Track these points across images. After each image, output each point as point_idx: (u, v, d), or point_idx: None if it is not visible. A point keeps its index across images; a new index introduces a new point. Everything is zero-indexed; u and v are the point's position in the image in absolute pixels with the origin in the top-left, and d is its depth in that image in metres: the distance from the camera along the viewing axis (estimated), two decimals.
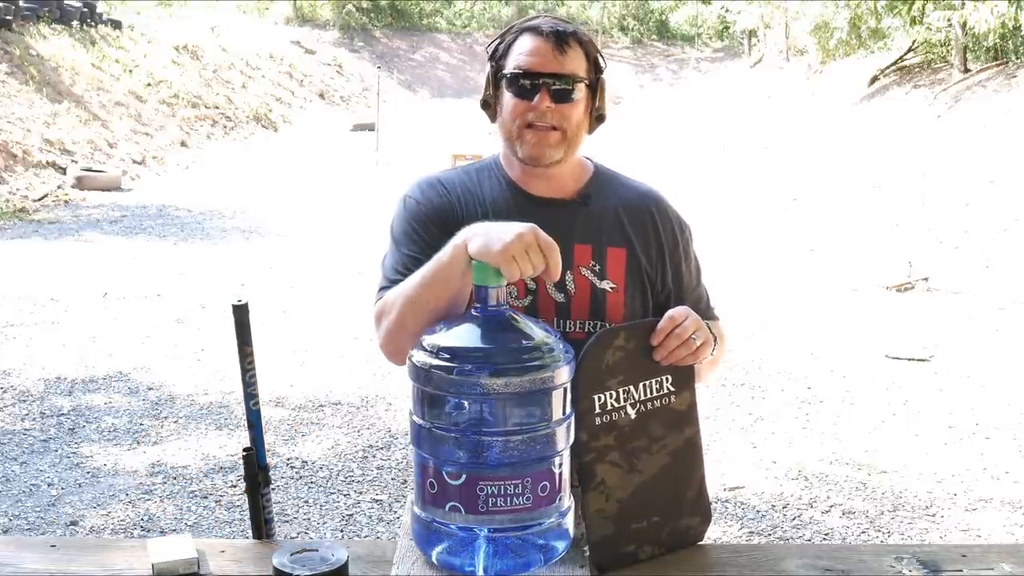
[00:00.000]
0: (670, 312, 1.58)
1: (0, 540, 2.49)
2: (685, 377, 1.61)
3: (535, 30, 1.72)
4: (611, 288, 1.73)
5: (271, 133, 20.16)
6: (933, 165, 11.15)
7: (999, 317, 6.70)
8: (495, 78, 1.75)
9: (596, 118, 1.78)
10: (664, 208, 1.83)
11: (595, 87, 1.75)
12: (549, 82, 1.68)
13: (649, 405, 1.57)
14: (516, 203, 1.72)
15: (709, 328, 1.63)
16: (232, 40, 24.03)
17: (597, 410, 1.52)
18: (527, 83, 1.69)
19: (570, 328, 1.70)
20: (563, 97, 1.69)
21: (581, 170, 1.81)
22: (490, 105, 1.78)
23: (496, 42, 1.78)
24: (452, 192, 1.76)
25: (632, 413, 1.55)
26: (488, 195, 1.76)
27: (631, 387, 1.55)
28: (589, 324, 1.71)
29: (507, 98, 1.72)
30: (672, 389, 1.59)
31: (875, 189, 11.88)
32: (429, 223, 1.72)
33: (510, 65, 1.72)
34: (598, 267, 1.73)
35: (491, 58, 1.77)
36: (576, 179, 1.79)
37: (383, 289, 1.69)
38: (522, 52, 1.71)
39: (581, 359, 1.50)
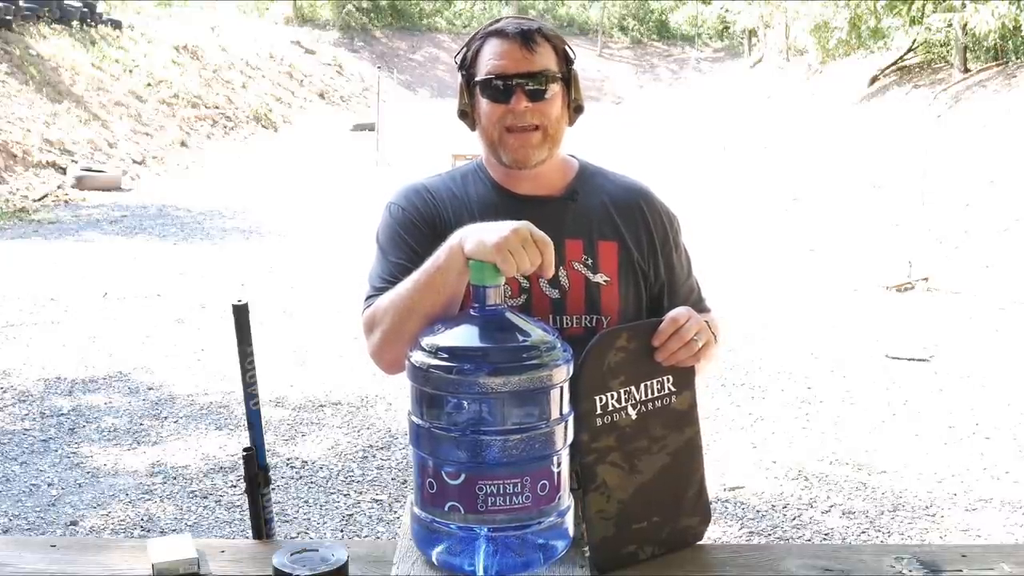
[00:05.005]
0: (672, 313, 1.58)
1: (0, 540, 2.49)
2: (686, 377, 1.60)
3: (500, 33, 1.71)
4: (605, 281, 1.73)
5: (271, 133, 20.17)
6: (933, 165, 11.14)
7: (999, 317, 6.70)
8: (468, 87, 1.75)
9: (574, 110, 1.77)
10: (652, 201, 1.83)
11: (568, 79, 1.74)
12: (523, 82, 1.67)
13: (650, 405, 1.57)
14: (503, 204, 1.71)
15: (709, 326, 1.63)
16: (232, 40, 24.05)
17: (598, 411, 1.52)
18: (501, 85, 1.68)
19: (566, 324, 1.70)
20: (539, 95, 1.68)
21: (566, 167, 1.81)
22: (468, 115, 1.77)
23: (463, 51, 1.77)
24: (438, 198, 1.75)
25: (633, 414, 1.55)
26: (474, 198, 1.75)
27: (632, 388, 1.55)
28: (585, 319, 1.71)
29: (483, 104, 1.72)
30: (673, 389, 1.59)
31: (875, 189, 11.88)
32: (416, 229, 1.72)
33: (481, 71, 1.71)
34: (590, 261, 1.73)
35: (460, 67, 1.76)
36: (561, 176, 1.79)
37: (371, 298, 1.67)
38: (491, 57, 1.70)
39: (583, 360, 1.49)
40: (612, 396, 1.53)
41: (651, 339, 1.56)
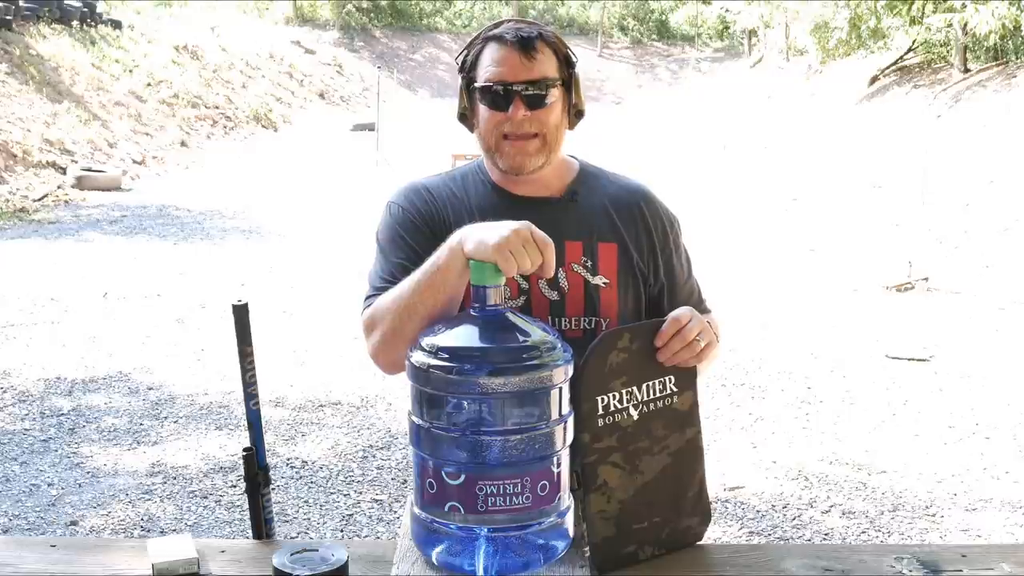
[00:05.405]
0: (674, 314, 1.58)
1: (0, 540, 2.49)
2: (688, 377, 1.60)
3: (500, 39, 1.69)
4: (604, 283, 1.73)
5: (271, 133, 20.16)
6: (933, 165, 11.15)
7: (999, 317, 6.70)
8: (468, 90, 1.74)
9: (575, 114, 1.77)
10: (652, 202, 1.82)
11: (569, 84, 1.73)
12: (521, 90, 1.67)
13: (652, 406, 1.57)
14: (503, 205, 1.71)
15: (711, 327, 1.63)
16: (232, 40, 24.04)
17: (600, 412, 1.52)
18: (499, 92, 1.68)
19: (565, 325, 1.70)
20: (537, 103, 1.67)
21: (566, 168, 1.80)
22: (467, 118, 1.77)
23: (464, 53, 1.76)
24: (438, 198, 1.75)
25: (635, 414, 1.55)
26: (474, 199, 1.75)
27: (634, 388, 1.55)
28: (584, 321, 1.71)
29: (482, 110, 1.71)
30: (675, 389, 1.59)
31: (875, 189, 11.88)
32: (416, 229, 1.71)
33: (480, 77, 1.70)
34: (590, 263, 1.72)
35: (461, 70, 1.75)
36: (561, 177, 1.78)
37: (371, 297, 1.67)
38: (490, 63, 1.69)
39: (585, 361, 1.49)
40: (614, 397, 1.53)
41: (653, 339, 1.56)
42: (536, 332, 1.38)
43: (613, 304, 1.72)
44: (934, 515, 3.81)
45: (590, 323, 1.71)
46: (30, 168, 11.92)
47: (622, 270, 1.74)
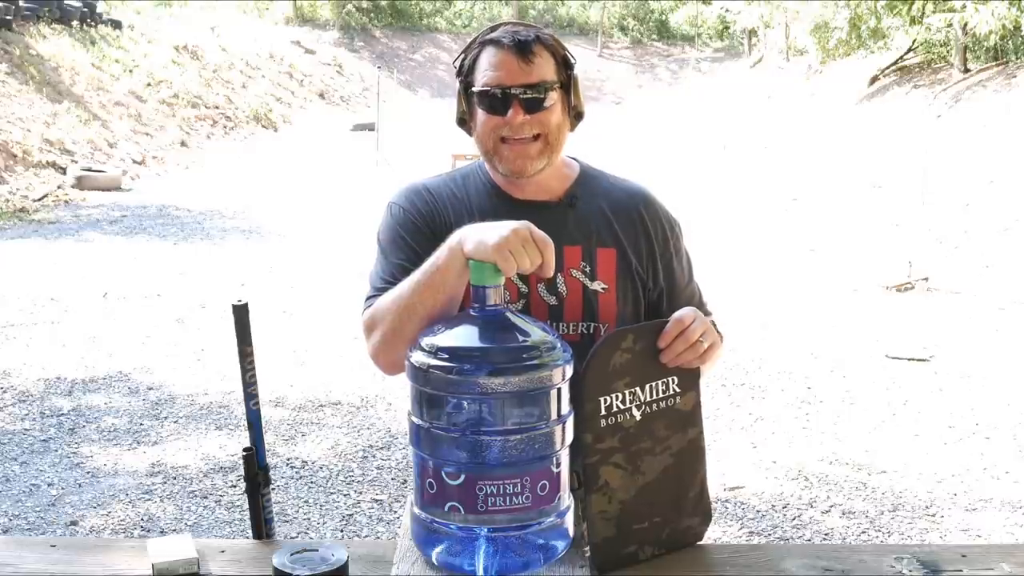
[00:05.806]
0: (677, 314, 1.57)
1: (0, 540, 2.49)
2: (691, 378, 1.60)
3: (497, 42, 1.68)
4: (602, 289, 1.72)
5: (271, 133, 20.16)
6: (933, 165, 11.14)
7: (999, 317, 6.70)
8: (466, 95, 1.73)
9: (575, 116, 1.76)
10: (652, 206, 1.81)
11: (568, 86, 1.73)
12: (519, 93, 1.66)
13: (654, 407, 1.57)
14: (502, 208, 1.70)
15: (714, 327, 1.62)
16: (232, 40, 24.03)
17: (603, 412, 1.52)
18: (497, 96, 1.67)
19: (563, 330, 1.69)
20: (536, 106, 1.66)
21: (566, 171, 1.79)
22: (466, 121, 1.76)
23: (461, 58, 1.75)
24: (439, 199, 1.75)
25: (637, 415, 1.55)
26: (474, 201, 1.74)
27: (637, 389, 1.55)
28: (582, 326, 1.70)
29: (480, 115, 1.70)
30: (678, 390, 1.59)
31: (875, 189, 11.88)
32: (417, 230, 1.71)
33: (478, 82, 1.69)
34: (588, 268, 1.72)
35: (458, 74, 1.74)
36: (561, 180, 1.78)
37: (371, 298, 1.66)
38: (487, 67, 1.68)
39: (588, 361, 1.49)
40: (617, 397, 1.53)
41: (657, 340, 1.55)
42: (536, 332, 1.39)
43: (612, 309, 1.72)
44: (934, 515, 3.81)
45: (588, 328, 1.70)
46: (30, 168, 11.91)
47: (621, 275, 1.74)
